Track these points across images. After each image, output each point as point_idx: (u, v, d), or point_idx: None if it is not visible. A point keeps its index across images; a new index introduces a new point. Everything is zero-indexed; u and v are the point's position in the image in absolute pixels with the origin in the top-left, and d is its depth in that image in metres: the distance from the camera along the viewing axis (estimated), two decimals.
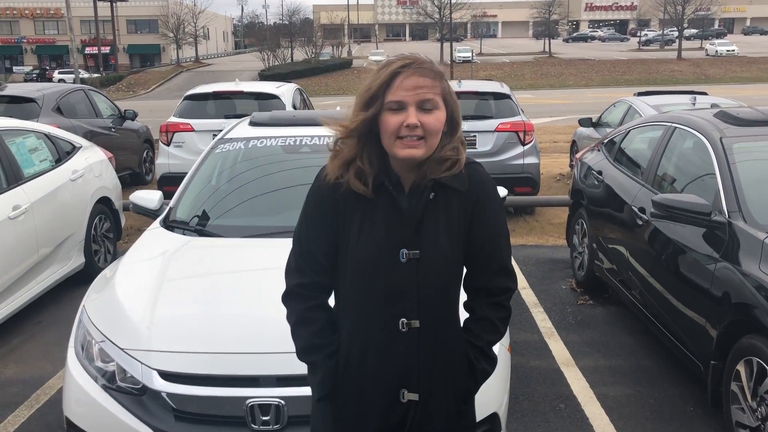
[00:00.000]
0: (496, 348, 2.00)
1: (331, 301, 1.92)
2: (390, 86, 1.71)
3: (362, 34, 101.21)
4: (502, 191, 4.16)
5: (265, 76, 45.12)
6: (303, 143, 4.18)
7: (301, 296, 1.86)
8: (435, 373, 1.82)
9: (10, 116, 7.06)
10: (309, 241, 1.85)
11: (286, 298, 1.89)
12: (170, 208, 3.97)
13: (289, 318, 1.90)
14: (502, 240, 1.88)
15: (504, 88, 9.15)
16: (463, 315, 1.94)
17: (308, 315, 1.86)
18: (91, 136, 8.89)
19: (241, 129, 4.53)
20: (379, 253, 1.76)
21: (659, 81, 42.24)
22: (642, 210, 4.51)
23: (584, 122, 10.87)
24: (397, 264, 1.76)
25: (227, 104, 9.02)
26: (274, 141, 4.25)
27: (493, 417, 2.83)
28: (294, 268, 1.88)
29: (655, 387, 4.13)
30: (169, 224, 3.83)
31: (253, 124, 4.58)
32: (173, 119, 8.85)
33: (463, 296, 1.92)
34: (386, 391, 1.80)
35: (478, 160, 1.91)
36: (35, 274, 5.16)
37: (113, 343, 2.83)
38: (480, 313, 1.90)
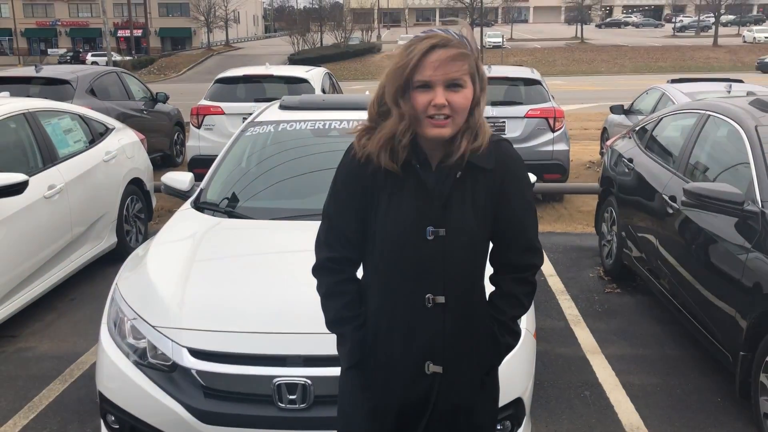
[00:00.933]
0: (522, 326, 2.02)
1: (360, 274, 1.95)
2: (417, 65, 1.71)
3: (392, 18, 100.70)
4: (531, 178, 4.14)
5: (294, 60, 45.14)
6: (332, 127, 4.20)
7: (331, 270, 1.91)
8: (459, 346, 1.85)
9: (45, 98, 7.19)
10: (338, 217, 1.89)
11: (317, 271, 1.94)
12: (201, 190, 4.03)
13: (319, 290, 1.94)
14: (529, 217, 1.90)
15: (534, 74, 9.06)
16: (489, 288, 1.96)
17: (338, 288, 1.91)
18: (123, 118, 9.00)
19: (271, 112, 4.57)
20: (405, 230, 1.79)
21: (694, 68, 41.39)
22: (673, 198, 4.46)
23: (616, 109, 10.70)
24: (423, 241, 1.78)
25: (257, 88, 9.08)
26: (303, 125, 4.28)
27: (518, 402, 2.85)
28: (324, 242, 1.92)
29: (682, 377, 4.10)
30: (200, 205, 3.89)
31: (282, 107, 4.61)
32: (204, 102, 8.94)
33: (489, 270, 1.95)
34: (412, 363, 1.84)
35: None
36: (69, 253, 5.28)
37: (145, 320, 2.89)
38: (505, 288, 1.93)
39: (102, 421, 3.01)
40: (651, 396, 3.89)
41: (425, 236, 1.78)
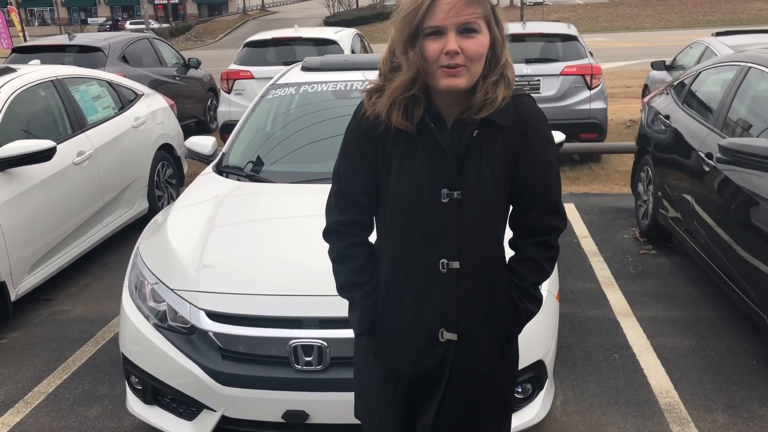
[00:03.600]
0: (543, 288, 1.93)
1: (373, 238, 1.89)
2: (428, 10, 1.59)
3: None
4: (558, 136, 4.01)
5: (330, 22, 44.81)
6: (354, 88, 4.12)
7: (341, 233, 1.85)
8: (476, 314, 1.77)
9: (79, 65, 7.26)
10: (348, 179, 1.81)
11: (327, 235, 1.88)
12: (223, 154, 4.02)
13: (329, 254, 1.89)
14: (551, 177, 1.78)
15: (571, 29, 8.76)
16: (509, 252, 1.87)
17: (348, 252, 1.85)
18: (155, 84, 9.07)
19: (293, 74, 4.51)
20: (418, 193, 1.70)
21: (745, 21, 39.65)
22: (709, 156, 4.27)
23: (657, 65, 10.33)
24: (437, 204, 1.69)
25: (287, 51, 9.00)
26: (325, 86, 4.21)
27: (539, 364, 2.79)
28: (334, 206, 1.86)
29: (716, 339, 3.98)
30: (222, 169, 3.88)
31: (305, 69, 4.55)
32: (234, 67, 8.90)
33: (508, 233, 1.85)
34: (424, 330, 1.78)
35: (537, 103, 1.78)
36: (101, 218, 5.36)
37: (164, 284, 2.91)
38: (525, 253, 1.83)
39: (126, 382, 3.07)
40: (683, 359, 3.79)
41: (440, 198, 1.69)
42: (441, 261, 1.72)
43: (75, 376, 3.84)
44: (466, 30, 1.60)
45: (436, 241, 1.72)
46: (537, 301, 1.87)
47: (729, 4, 47.61)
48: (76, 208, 4.99)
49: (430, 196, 1.70)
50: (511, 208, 1.82)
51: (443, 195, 1.69)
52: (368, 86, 1.76)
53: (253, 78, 8.63)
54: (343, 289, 1.88)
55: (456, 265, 1.72)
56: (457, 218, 1.70)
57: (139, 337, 2.89)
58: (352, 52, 8.86)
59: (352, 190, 1.81)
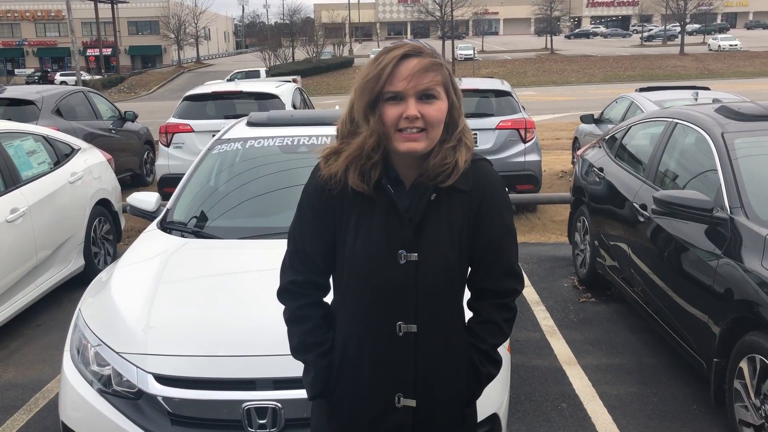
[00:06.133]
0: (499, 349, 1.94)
1: (330, 298, 1.87)
2: (388, 76, 1.62)
3: (363, 32, 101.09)
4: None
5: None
6: (301, 143, 4.15)
7: (294, 293, 1.83)
8: (435, 378, 1.76)
9: (9, 119, 7.05)
10: (303, 240, 1.80)
11: (281, 296, 1.86)
12: (167, 210, 3.95)
13: (284, 315, 1.87)
14: (509, 240, 1.81)
15: (505, 85, 9.11)
16: (468, 314, 1.87)
17: (301, 313, 1.82)
18: (91, 137, 8.87)
19: (239, 129, 4.50)
20: (375, 254, 1.70)
21: (662, 77, 42.09)
22: (644, 207, 4.47)
23: (586, 119, 10.81)
24: (394, 266, 1.69)
25: (226, 104, 8.98)
26: (271, 141, 4.22)
27: (494, 418, 2.80)
28: (288, 266, 1.84)
29: (658, 385, 4.09)
30: (166, 226, 3.81)
31: (250, 124, 4.55)
32: (173, 120, 8.83)
33: (466, 294, 1.87)
34: (381, 395, 1.75)
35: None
36: (34, 277, 5.14)
37: (109, 346, 2.80)
38: (485, 315, 1.83)
39: None
40: (628, 406, 3.88)
41: (397, 260, 1.69)
42: (398, 324, 1.72)
43: None
44: (425, 96, 1.64)
45: (393, 303, 1.72)
46: (497, 364, 1.87)
47: (647, 61, 50.51)
48: (8, 268, 4.78)
49: (387, 257, 1.70)
50: (469, 270, 1.83)
51: (400, 257, 1.70)
52: (326, 150, 1.77)
53: (193, 131, 8.56)
54: (296, 351, 1.85)
55: (413, 328, 1.72)
56: (414, 280, 1.70)
57: (82, 403, 2.76)
58: (293, 106, 8.93)
59: (307, 251, 1.80)
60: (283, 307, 1.87)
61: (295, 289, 1.82)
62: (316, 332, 1.81)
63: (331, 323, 1.83)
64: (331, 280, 1.86)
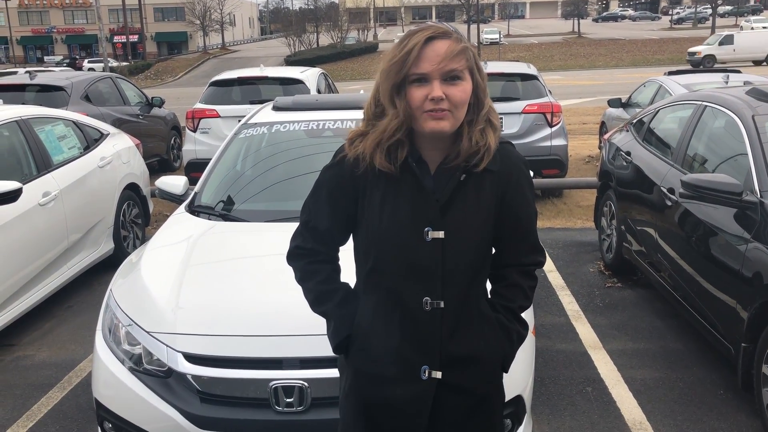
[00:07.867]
0: None
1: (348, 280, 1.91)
2: (414, 59, 1.65)
3: (388, 17, 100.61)
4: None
5: (290, 61, 45.16)
6: (326, 127, 4.17)
7: (301, 255, 1.89)
8: (461, 352, 1.79)
9: (40, 105, 7.17)
10: (314, 214, 1.86)
11: (289, 258, 1.92)
12: (195, 193, 4.00)
13: (295, 276, 1.92)
14: (533, 221, 1.88)
15: (531, 69, 9.03)
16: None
17: (311, 267, 1.89)
18: (119, 123, 8.99)
19: (265, 114, 4.53)
20: (402, 230, 1.73)
21: (692, 60, 41.26)
22: (671, 191, 4.42)
23: (613, 103, 10.68)
24: (421, 242, 1.73)
25: (252, 90, 9.05)
26: (296, 125, 4.25)
27: (518, 399, 2.81)
28: (297, 233, 1.91)
29: (684, 370, 4.07)
30: (194, 209, 3.86)
31: (276, 108, 4.58)
32: (199, 106, 8.91)
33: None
34: (409, 367, 1.79)
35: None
36: (66, 260, 5.25)
37: (139, 326, 2.87)
38: (511, 279, 1.88)
39: (99, 429, 2.99)
40: (653, 390, 3.86)
41: (424, 238, 1.72)
42: (425, 299, 1.75)
43: (40, 425, 3.71)
44: (450, 78, 1.66)
45: (420, 280, 1.75)
46: (525, 325, 1.92)
47: (676, 44, 49.53)
48: (41, 250, 4.89)
49: (414, 235, 1.73)
50: (494, 249, 1.87)
51: (426, 234, 1.72)
52: (351, 134, 1.80)
53: (219, 117, 8.64)
54: (314, 304, 1.90)
55: (440, 303, 1.75)
56: (441, 257, 1.73)
57: (114, 381, 2.83)
58: (318, 90, 8.96)
59: (316, 225, 1.86)
60: (293, 271, 1.92)
61: (302, 252, 1.89)
62: (329, 281, 1.88)
63: (341, 277, 1.89)
64: (340, 253, 1.91)
